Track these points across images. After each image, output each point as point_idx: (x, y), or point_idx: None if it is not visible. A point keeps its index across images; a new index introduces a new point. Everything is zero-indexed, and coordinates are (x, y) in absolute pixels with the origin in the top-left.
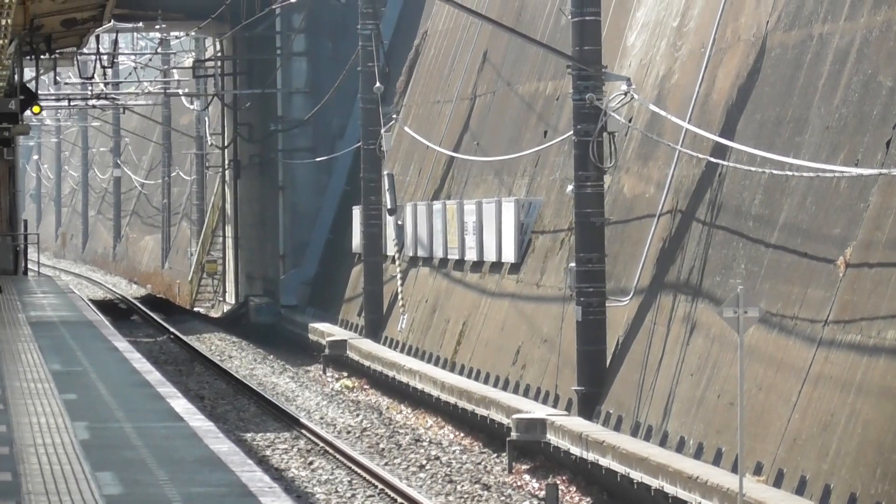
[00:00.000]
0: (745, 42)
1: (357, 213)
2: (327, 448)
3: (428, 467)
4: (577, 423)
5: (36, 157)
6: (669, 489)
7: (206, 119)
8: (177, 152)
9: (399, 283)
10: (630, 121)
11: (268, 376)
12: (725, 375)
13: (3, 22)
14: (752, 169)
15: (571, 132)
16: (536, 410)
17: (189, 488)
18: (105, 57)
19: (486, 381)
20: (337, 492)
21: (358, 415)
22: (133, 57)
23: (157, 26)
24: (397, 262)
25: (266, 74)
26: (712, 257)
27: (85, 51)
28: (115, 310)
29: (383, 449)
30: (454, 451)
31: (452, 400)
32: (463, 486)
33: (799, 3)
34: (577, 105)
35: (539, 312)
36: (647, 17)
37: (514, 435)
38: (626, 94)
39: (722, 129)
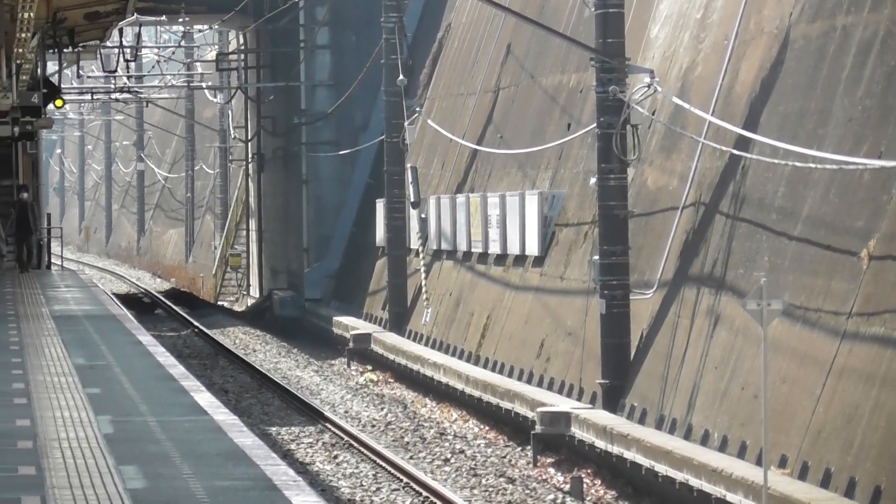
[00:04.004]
0: (769, 34)
1: (381, 206)
2: (352, 442)
3: (453, 461)
4: (602, 417)
5: (59, 150)
6: (694, 482)
7: (230, 112)
8: (200, 146)
9: (423, 276)
10: (653, 113)
11: (292, 370)
12: (749, 368)
13: (26, 15)
14: (776, 161)
15: (595, 125)
16: (561, 404)
17: (213, 482)
18: (128, 50)
19: (510, 375)
20: (362, 485)
21: (382, 408)
22: (156, 50)
23: (181, 19)
24: (421, 256)
25: (289, 67)
26: (736, 250)
27: (108, 44)
28: (138, 304)
29: (408, 442)
30: (479, 445)
31: (477, 393)
32: (488, 479)
33: None
34: (600, 97)
35: (563, 305)
36: (671, 9)
37: (538, 428)
38: (649, 86)
39: (745, 122)
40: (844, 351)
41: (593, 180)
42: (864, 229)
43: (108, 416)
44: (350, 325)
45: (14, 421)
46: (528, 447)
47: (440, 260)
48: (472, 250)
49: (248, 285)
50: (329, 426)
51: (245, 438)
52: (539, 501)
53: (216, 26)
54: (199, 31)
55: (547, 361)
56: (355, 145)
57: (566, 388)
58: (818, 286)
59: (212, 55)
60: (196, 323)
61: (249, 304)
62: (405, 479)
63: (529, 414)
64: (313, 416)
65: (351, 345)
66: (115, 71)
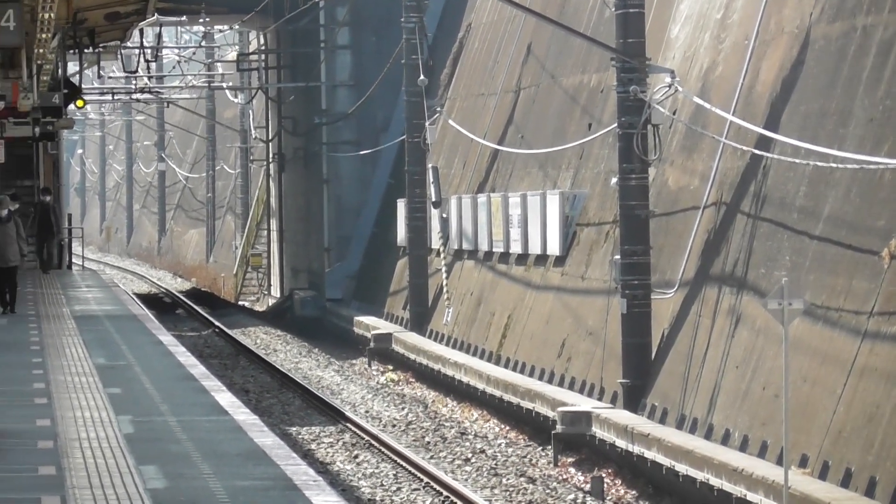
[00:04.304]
0: (789, 34)
1: (402, 206)
2: (372, 441)
3: (473, 460)
4: (623, 416)
5: (80, 151)
6: (715, 482)
7: (251, 112)
8: (221, 146)
9: (444, 276)
10: (674, 113)
11: (313, 370)
12: (770, 367)
13: (47, 16)
14: (797, 161)
15: (615, 125)
16: (582, 403)
17: (233, 482)
18: (149, 51)
19: (531, 374)
20: (382, 485)
21: (403, 408)
22: (177, 50)
23: (201, 20)
24: (442, 255)
25: (310, 68)
26: (757, 249)
27: (128, 44)
28: (159, 304)
29: (429, 442)
30: (499, 445)
31: (498, 393)
32: (508, 479)
33: None
34: (621, 97)
35: (584, 305)
36: (691, 9)
37: (559, 428)
38: (670, 86)
39: (766, 122)
40: (865, 350)
41: (614, 180)
42: (885, 229)
43: (129, 415)
44: (371, 324)
45: (34, 421)
46: (549, 447)
47: (461, 260)
48: (494, 250)
49: (269, 285)
50: (349, 426)
51: (265, 438)
52: (560, 501)
53: (237, 27)
54: (220, 31)
55: (568, 361)
56: (376, 145)
57: (587, 387)
58: (839, 285)
59: (232, 55)
60: (217, 323)
61: (270, 304)
62: (426, 479)
63: (550, 413)
64: (334, 415)
65: (372, 344)
66: (136, 71)
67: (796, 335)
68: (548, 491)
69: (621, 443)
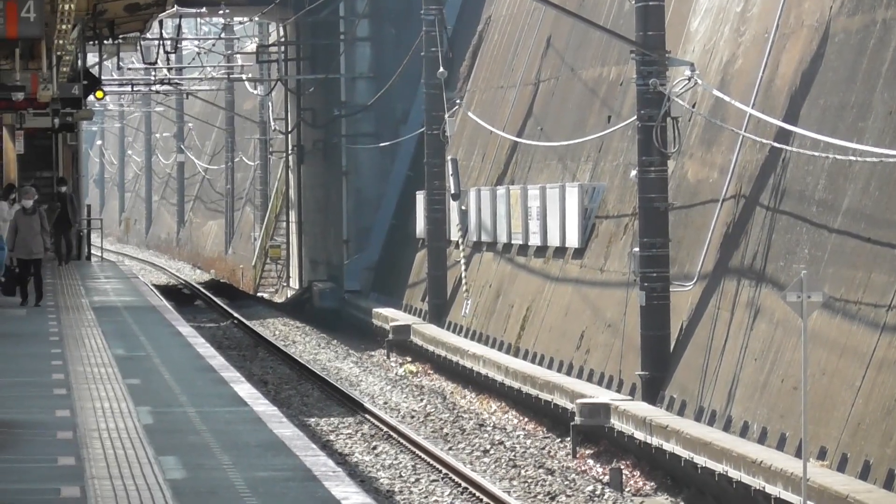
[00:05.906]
0: (809, 27)
1: (421, 198)
2: (391, 433)
3: (492, 452)
4: (641, 408)
5: (99, 142)
6: (733, 474)
7: (270, 104)
8: (240, 137)
9: (463, 268)
10: (693, 106)
11: (331, 361)
12: (789, 360)
13: (67, 7)
14: (816, 154)
15: (635, 117)
16: (600, 395)
17: (253, 473)
18: (168, 42)
19: (549, 366)
20: (401, 476)
21: (422, 400)
22: (196, 42)
23: (221, 11)
24: (461, 248)
25: (330, 59)
26: (776, 242)
27: (148, 36)
28: (178, 295)
29: (447, 434)
30: (518, 436)
31: (516, 385)
32: (527, 470)
33: None
34: (640, 90)
35: (603, 297)
36: (711, 2)
37: (577, 420)
38: (689, 79)
39: (785, 115)
40: (884, 343)
41: (634, 173)
42: None
43: (148, 406)
44: (389, 316)
45: (54, 411)
46: (568, 438)
47: (480, 252)
48: (512, 242)
49: (288, 277)
50: (368, 417)
51: (285, 429)
52: (578, 493)
53: (256, 18)
54: (240, 23)
55: (586, 353)
56: (395, 137)
57: (606, 379)
58: (858, 278)
59: (252, 47)
60: (236, 314)
61: (289, 296)
62: (444, 470)
63: (569, 405)
64: (353, 407)
65: (390, 336)
66: (156, 63)
67: (815, 328)
68: (566, 482)
69: (640, 435)
